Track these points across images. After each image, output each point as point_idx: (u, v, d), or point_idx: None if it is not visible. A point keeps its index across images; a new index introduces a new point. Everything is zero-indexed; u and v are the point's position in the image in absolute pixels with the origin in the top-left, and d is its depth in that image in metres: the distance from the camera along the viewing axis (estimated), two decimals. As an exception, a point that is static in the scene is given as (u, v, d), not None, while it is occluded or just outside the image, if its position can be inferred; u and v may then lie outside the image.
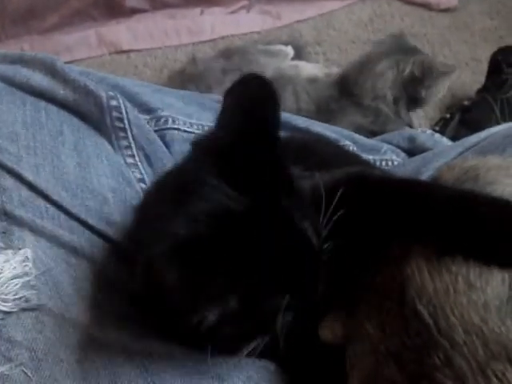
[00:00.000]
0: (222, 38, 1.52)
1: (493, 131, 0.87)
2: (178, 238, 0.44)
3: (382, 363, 0.47)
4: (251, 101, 0.51)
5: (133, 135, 0.71)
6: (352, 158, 0.85)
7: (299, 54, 1.45)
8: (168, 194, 0.51)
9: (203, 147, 0.53)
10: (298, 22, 1.59)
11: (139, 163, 0.72)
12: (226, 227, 0.46)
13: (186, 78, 1.28)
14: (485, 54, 1.45)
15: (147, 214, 0.54)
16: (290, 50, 1.42)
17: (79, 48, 1.47)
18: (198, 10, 1.56)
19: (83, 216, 0.62)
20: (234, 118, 0.52)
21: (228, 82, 1.17)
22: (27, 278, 0.57)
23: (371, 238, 0.56)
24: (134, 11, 1.54)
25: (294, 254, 0.48)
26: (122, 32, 1.50)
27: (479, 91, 1.34)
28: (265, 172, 0.49)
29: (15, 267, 0.57)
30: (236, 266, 0.45)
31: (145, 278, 0.48)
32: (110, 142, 0.70)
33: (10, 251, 0.58)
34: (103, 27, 1.50)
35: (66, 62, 1.41)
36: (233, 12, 1.57)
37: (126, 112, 0.71)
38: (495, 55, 1.37)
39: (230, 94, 0.53)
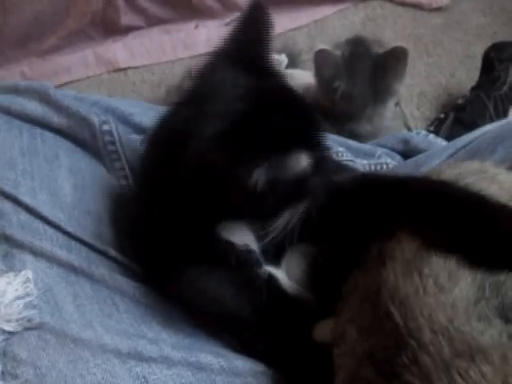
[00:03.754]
0: (218, 50, 1.54)
1: (483, 131, 0.88)
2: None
3: (360, 364, 0.49)
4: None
5: (126, 158, 0.74)
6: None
7: (294, 62, 1.46)
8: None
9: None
10: (292, 29, 1.61)
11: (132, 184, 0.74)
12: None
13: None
14: (479, 51, 1.45)
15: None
16: (283, 59, 1.43)
17: (77, 68, 1.50)
18: (192, 24, 1.58)
19: (80, 235, 0.64)
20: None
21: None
22: (29, 299, 0.59)
23: (358, 237, 0.59)
24: (129, 28, 1.56)
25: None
26: (118, 50, 1.53)
27: (473, 89, 1.34)
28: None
29: (17, 289, 0.59)
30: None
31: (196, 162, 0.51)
32: (104, 165, 0.73)
33: (11, 273, 0.60)
34: (100, 46, 1.53)
35: (65, 83, 1.48)
36: (227, 24, 1.59)
37: (119, 136, 0.73)
38: (488, 52, 1.37)
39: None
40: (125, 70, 1.53)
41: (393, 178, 0.65)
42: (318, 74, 1.22)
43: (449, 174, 0.62)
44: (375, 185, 0.62)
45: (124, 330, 0.60)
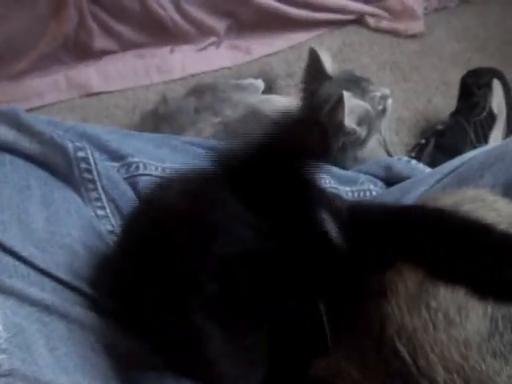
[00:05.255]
0: (193, 75, 1.52)
1: (468, 157, 0.87)
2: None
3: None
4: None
5: (102, 186, 0.69)
6: None
7: (270, 87, 1.45)
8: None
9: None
10: (268, 55, 1.60)
11: (110, 215, 0.70)
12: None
13: (159, 119, 1.26)
14: (455, 77, 1.46)
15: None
16: (260, 84, 1.42)
17: (49, 92, 1.46)
18: (167, 49, 1.56)
19: (54, 271, 0.60)
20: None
21: (201, 122, 1.14)
22: (-3, 342, 0.54)
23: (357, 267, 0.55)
24: (103, 53, 1.53)
25: None
26: (91, 74, 1.49)
27: (452, 115, 1.34)
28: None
29: (-16, 331, 0.54)
30: None
31: None
32: (80, 195, 0.69)
33: (-22, 315, 0.55)
34: (72, 70, 1.49)
35: (36, 107, 1.43)
36: (202, 49, 1.57)
37: (95, 163, 0.69)
38: (465, 78, 1.38)
39: None
40: (98, 94, 1.49)
41: (389, 208, 0.62)
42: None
43: (445, 201, 0.60)
44: (371, 215, 0.59)
45: (102, 373, 0.56)
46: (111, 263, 0.60)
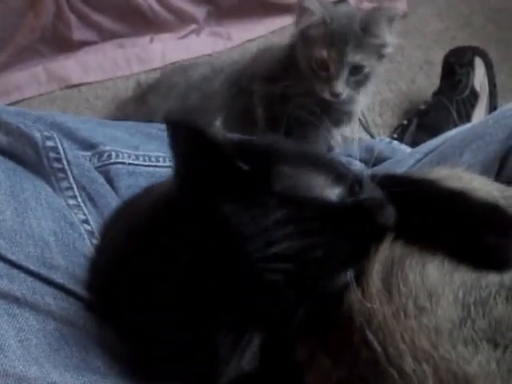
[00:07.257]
0: (173, 63, 1.51)
1: (449, 135, 0.86)
2: None
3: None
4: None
5: (73, 176, 0.68)
6: None
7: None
8: None
9: None
10: (250, 40, 1.59)
11: (82, 204, 0.69)
12: None
13: (134, 101, 1.24)
14: (439, 57, 1.45)
15: None
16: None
17: (29, 86, 1.44)
18: (147, 38, 1.55)
19: (24, 263, 0.59)
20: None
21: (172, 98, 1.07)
22: (-34, 336, 0.53)
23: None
24: (82, 44, 1.52)
25: None
26: (71, 66, 1.48)
27: (435, 94, 1.34)
28: None
29: (-48, 325, 0.53)
30: None
31: None
32: (50, 184, 0.67)
33: None
34: (52, 63, 1.48)
35: (16, 101, 1.41)
36: (182, 37, 1.55)
37: (65, 152, 0.68)
38: (447, 57, 1.37)
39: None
40: (78, 86, 1.48)
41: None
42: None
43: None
44: None
45: (75, 364, 0.55)
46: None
